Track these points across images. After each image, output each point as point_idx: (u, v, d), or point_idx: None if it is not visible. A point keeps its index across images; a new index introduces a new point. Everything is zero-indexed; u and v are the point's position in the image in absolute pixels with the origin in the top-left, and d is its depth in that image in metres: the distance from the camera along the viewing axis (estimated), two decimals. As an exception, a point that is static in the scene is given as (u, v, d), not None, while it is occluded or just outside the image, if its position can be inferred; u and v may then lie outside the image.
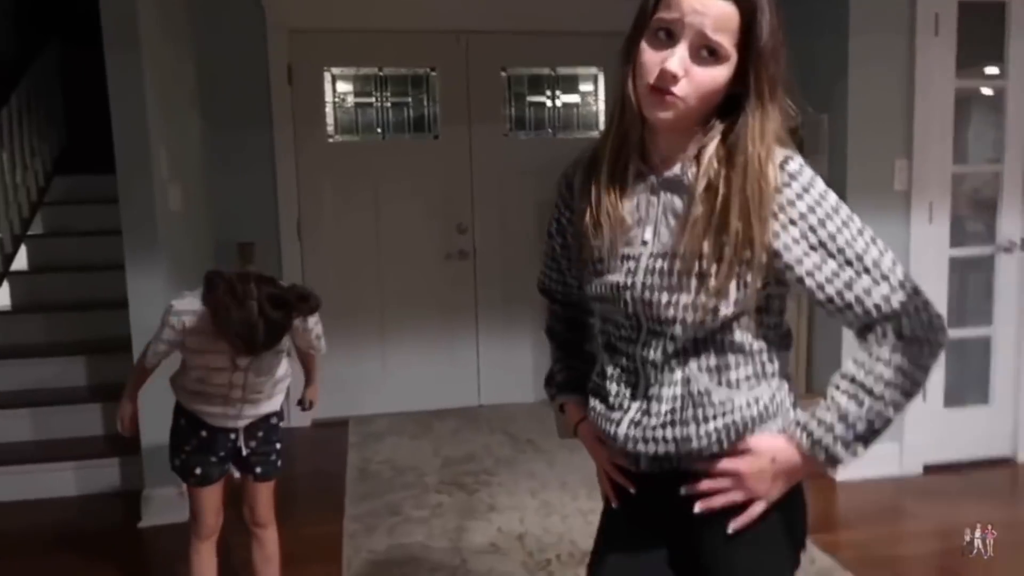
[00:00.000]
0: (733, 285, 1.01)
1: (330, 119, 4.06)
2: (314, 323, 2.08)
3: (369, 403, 4.20)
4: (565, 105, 4.31)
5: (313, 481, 3.35)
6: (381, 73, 4.11)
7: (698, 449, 1.06)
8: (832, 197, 1.03)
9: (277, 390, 2.13)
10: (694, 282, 1.02)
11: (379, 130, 4.17)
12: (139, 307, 2.88)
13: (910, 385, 1.01)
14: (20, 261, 4.23)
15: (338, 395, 4.17)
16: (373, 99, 4.13)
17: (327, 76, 4.04)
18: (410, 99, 4.16)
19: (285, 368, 2.14)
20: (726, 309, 1.02)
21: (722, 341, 1.06)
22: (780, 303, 1.11)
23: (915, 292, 1.02)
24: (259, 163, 3.94)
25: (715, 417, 1.05)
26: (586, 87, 4.33)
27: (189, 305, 1.93)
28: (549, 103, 4.29)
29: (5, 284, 4.03)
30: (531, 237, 4.19)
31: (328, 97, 4.05)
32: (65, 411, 3.45)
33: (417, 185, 4.15)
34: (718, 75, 0.99)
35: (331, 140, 4.09)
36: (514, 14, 3.99)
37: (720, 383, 1.06)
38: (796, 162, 1.02)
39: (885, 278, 1.00)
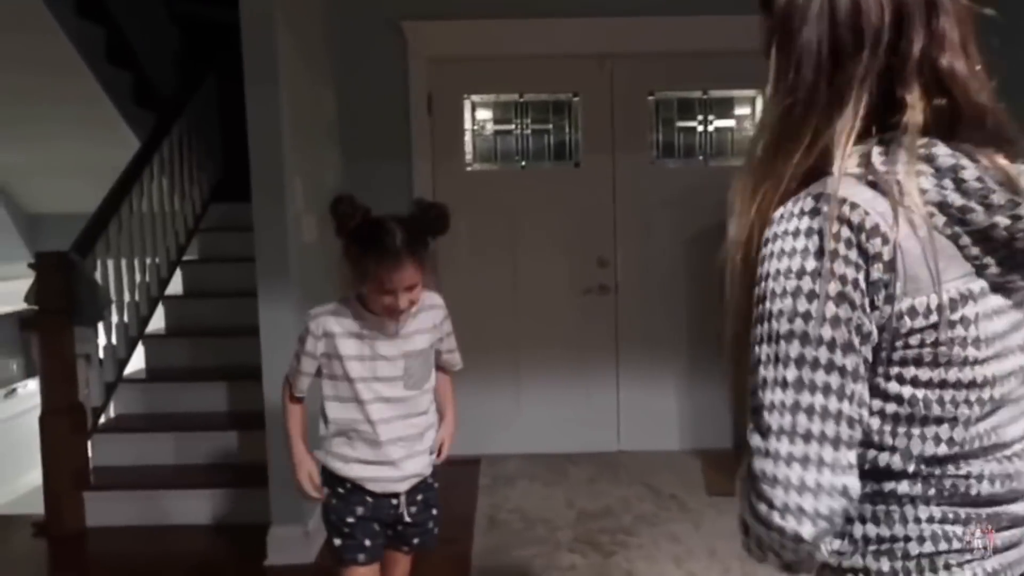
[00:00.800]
0: None
1: (468, 148, 3.95)
2: (449, 325, 1.94)
3: (502, 442, 4.02)
4: (718, 130, 3.98)
5: (443, 527, 3.17)
6: (522, 99, 3.96)
7: None
8: None
9: (428, 432, 1.89)
10: None
11: (518, 158, 4.01)
12: (269, 337, 2.84)
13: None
14: (176, 286, 4.39)
15: (471, 432, 4.00)
16: (513, 126, 3.98)
17: (467, 104, 3.94)
18: (551, 126, 3.98)
19: (431, 402, 1.91)
20: None
21: None
22: None
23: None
24: (396, 194, 3.86)
25: None
26: (742, 110, 3.99)
27: (323, 309, 1.82)
28: (700, 128, 3.98)
29: (160, 308, 4.18)
30: (678, 273, 3.88)
31: (467, 125, 3.94)
32: (204, 437, 3.48)
33: (556, 215, 3.95)
34: None
35: (469, 169, 3.97)
36: (662, 35, 3.73)
37: None
38: None
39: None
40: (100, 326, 3.51)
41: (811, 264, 0.72)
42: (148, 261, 4.06)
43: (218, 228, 4.67)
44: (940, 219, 0.73)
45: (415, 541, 1.92)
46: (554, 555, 2.85)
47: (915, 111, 0.74)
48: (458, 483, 3.65)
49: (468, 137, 3.95)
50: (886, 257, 0.71)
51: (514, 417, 4.03)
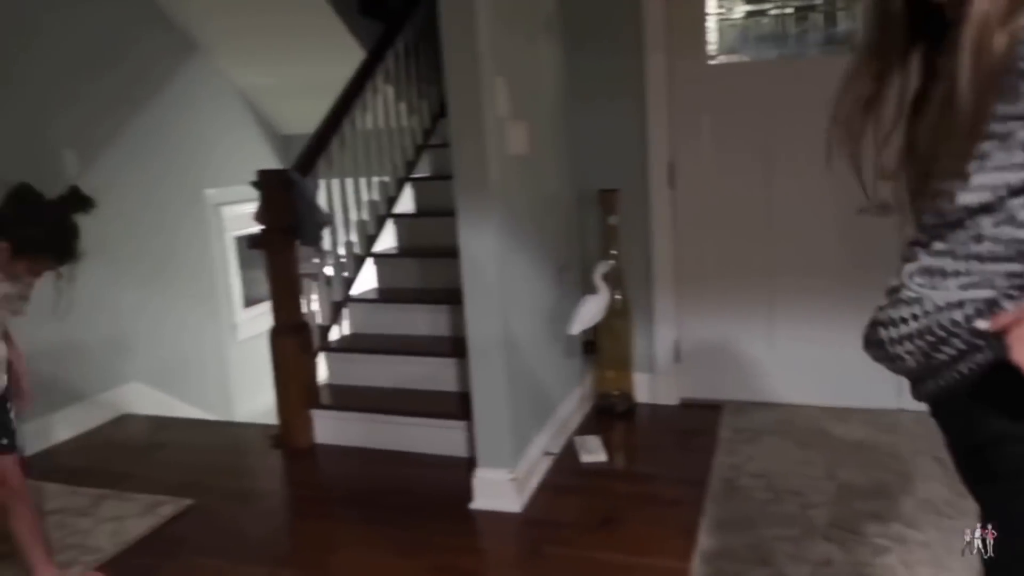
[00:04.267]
0: None
1: (712, 36, 3.26)
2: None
3: (749, 387, 3.44)
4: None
5: (668, 486, 2.73)
6: (784, -31, 3.17)
7: None
8: None
9: None
10: None
11: (776, 47, 3.25)
12: (470, 260, 2.53)
13: None
14: (408, 203, 4.28)
15: (711, 373, 3.48)
16: (769, 5, 3.21)
17: (713, -19, 3.24)
18: (820, 1, 3.15)
19: None
20: None
21: None
22: None
23: None
24: (626, 96, 3.33)
25: None
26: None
27: None
28: None
29: (390, 227, 4.10)
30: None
31: (711, 8, 3.24)
32: (425, 362, 3.33)
33: (825, 117, 3.15)
34: None
35: (712, 62, 3.29)
36: None
37: None
38: None
39: None
40: (324, 245, 3.46)
41: None
42: (375, 179, 3.95)
43: (447, 144, 4.45)
44: None
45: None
46: (804, 542, 2.28)
47: None
48: (692, 432, 3.17)
49: (712, 23, 3.26)
50: None
51: (766, 358, 3.41)
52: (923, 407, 1.06)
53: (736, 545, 2.28)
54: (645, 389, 3.54)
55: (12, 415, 2.15)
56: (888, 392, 3.25)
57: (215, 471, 3.07)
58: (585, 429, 3.14)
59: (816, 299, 3.30)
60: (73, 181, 3.58)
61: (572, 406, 3.26)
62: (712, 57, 3.29)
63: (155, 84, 4.16)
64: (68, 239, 2.01)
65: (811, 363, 3.34)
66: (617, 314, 3.35)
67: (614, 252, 3.34)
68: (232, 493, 2.84)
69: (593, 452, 2.98)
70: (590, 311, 3.08)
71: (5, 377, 2.07)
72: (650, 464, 2.98)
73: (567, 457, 2.98)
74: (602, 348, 3.41)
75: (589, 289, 3.18)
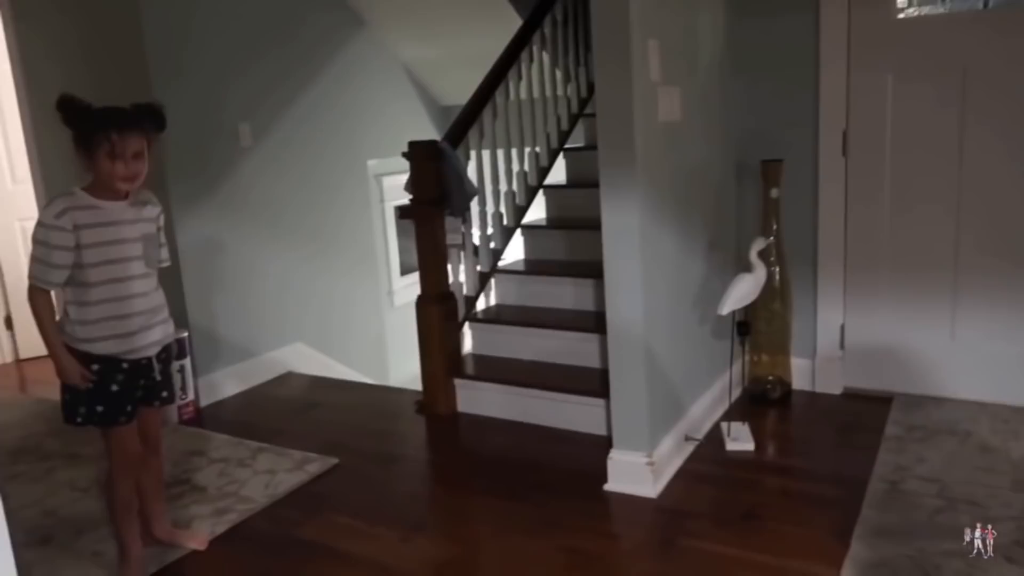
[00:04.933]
0: None
1: (901, -15, 2.91)
2: (163, 221, 2.14)
3: (925, 380, 3.10)
4: None
5: (821, 483, 2.52)
6: (993, -97, 2.75)
7: None
8: None
9: (163, 305, 2.13)
10: None
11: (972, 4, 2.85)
12: (612, 234, 2.43)
13: None
14: (559, 174, 4.22)
15: (883, 362, 3.17)
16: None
17: (904, -78, 2.87)
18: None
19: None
20: None
21: None
22: None
23: None
24: (796, 57, 3.05)
25: None
26: None
27: (61, 204, 1.91)
28: None
29: (540, 198, 4.05)
30: None
31: (903, -49, 2.89)
32: (568, 337, 3.27)
33: (1037, 73, 2.74)
34: None
35: (902, 16, 2.93)
36: None
37: None
38: None
39: None
40: (472, 216, 3.47)
41: None
42: (527, 149, 3.91)
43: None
44: None
45: (164, 395, 2.17)
46: (980, 560, 2.01)
47: None
48: (854, 426, 2.91)
49: (903, -31, 2.90)
50: None
51: (946, 350, 3.05)
52: None
53: (895, 557, 2.05)
54: (804, 376, 3.28)
55: (173, 368, 2.31)
56: (1099, 396, 2.83)
57: (361, 432, 3.19)
58: (733, 415, 2.96)
59: (1009, 289, 2.90)
60: (247, 152, 3.86)
61: (720, 390, 3.08)
62: (901, 9, 2.93)
63: (322, 59, 4.34)
64: (116, 108, 1.94)
65: (1000, 358, 2.95)
66: (775, 294, 3.12)
67: (774, 227, 3.10)
68: (375, 455, 2.94)
69: (740, 440, 2.80)
70: (743, 290, 2.87)
71: (171, 327, 2.18)
72: (803, 458, 2.76)
73: (711, 444, 2.82)
74: (757, 330, 3.19)
75: (743, 267, 2.98)
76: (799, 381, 3.29)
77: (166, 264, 2.16)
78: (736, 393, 3.17)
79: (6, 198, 4.54)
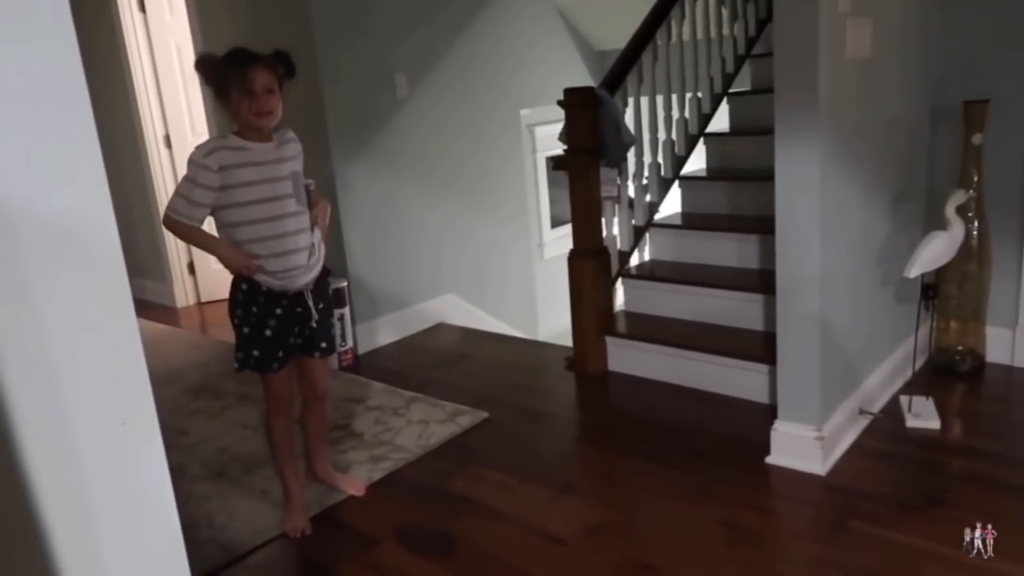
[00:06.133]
0: None
1: None
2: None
3: None
4: None
5: (1014, 470, 2.22)
6: None
7: None
8: None
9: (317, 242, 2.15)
10: None
11: None
12: (787, 186, 2.21)
13: None
14: (722, 121, 3.95)
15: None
16: None
17: None
18: None
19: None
20: None
21: None
22: None
23: None
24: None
25: None
26: None
27: (210, 145, 1.98)
28: None
29: (701, 148, 3.82)
30: None
31: None
32: (728, 296, 3.08)
33: None
34: None
35: None
36: None
37: None
38: None
39: None
40: (628, 167, 3.31)
41: None
42: (688, 95, 3.67)
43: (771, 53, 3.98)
44: None
45: (323, 345, 2.18)
46: None
47: None
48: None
49: None
50: None
51: None
52: None
53: None
54: (1001, 347, 2.92)
55: (334, 320, 2.35)
56: None
57: (511, 387, 3.17)
58: (915, 388, 2.68)
59: None
60: (402, 101, 3.88)
61: (901, 360, 2.79)
62: None
63: (478, 4, 4.26)
64: (242, 48, 1.96)
65: None
66: (971, 254, 2.77)
67: (976, 179, 2.74)
68: (525, 411, 2.92)
69: (922, 416, 2.53)
70: (936, 250, 2.56)
71: (319, 263, 2.15)
72: (996, 440, 2.45)
73: (890, 419, 2.57)
74: (947, 294, 2.86)
75: (935, 222, 2.65)
76: (994, 353, 2.92)
77: (314, 187, 2.19)
78: (920, 364, 2.87)
79: (187, 151, 4.85)
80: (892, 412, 2.61)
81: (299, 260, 2.06)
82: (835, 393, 2.40)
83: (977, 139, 2.73)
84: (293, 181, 2.08)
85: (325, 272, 2.19)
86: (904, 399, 2.64)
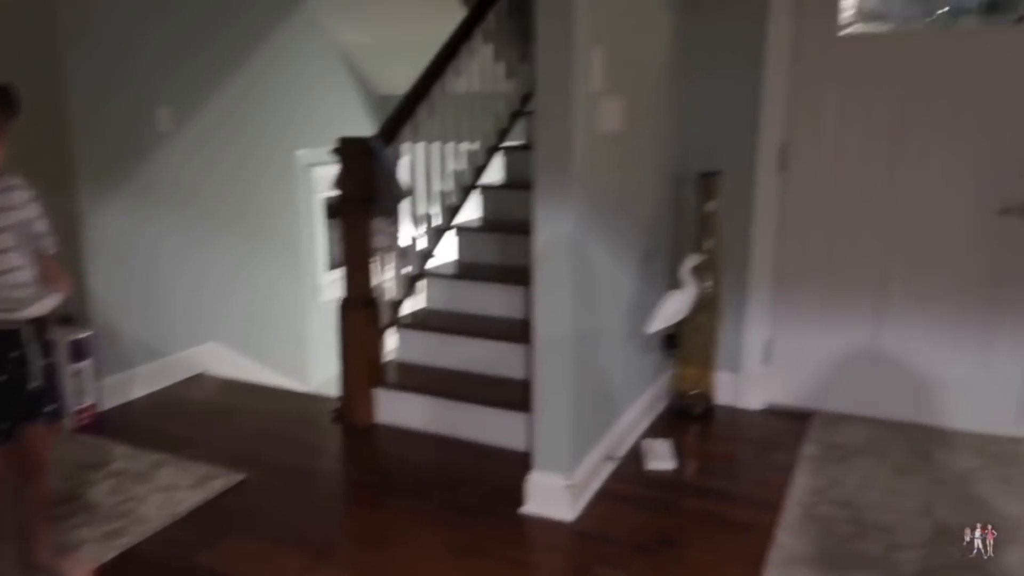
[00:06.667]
0: None
1: (848, 1, 2.89)
2: (38, 207, 1.92)
3: (845, 397, 3.13)
4: None
5: (739, 506, 2.50)
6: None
7: None
8: None
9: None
10: None
11: (924, 12, 2.86)
12: (543, 245, 2.35)
13: None
14: (498, 173, 4.11)
15: (806, 378, 3.18)
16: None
17: (846, -61, 2.85)
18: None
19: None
20: None
21: None
22: None
23: None
24: (741, 66, 3.02)
25: None
26: None
27: None
28: None
29: (476, 197, 3.93)
30: None
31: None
32: (496, 347, 3.18)
33: (973, 99, 2.75)
34: None
35: (844, 33, 2.92)
36: None
37: None
38: None
39: None
40: (402, 217, 3.34)
41: None
42: (464, 146, 3.79)
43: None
44: None
45: (49, 408, 1.99)
46: (887, 596, 2.01)
47: None
48: (774, 444, 2.90)
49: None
50: None
51: (869, 368, 3.08)
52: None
53: (807, 591, 2.04)
54: (727, 390, 3.27)
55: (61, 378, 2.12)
56: (1006, 418, 2.89)
57: (273, 443, 3.04)
58: (656, 431, 2.92)
59: (935, 309, 2.94)
60: (166, 136, 3.64)
61: (644, 406, 3.04)
62: (845, 25, 2.91)
63: (255, 41, 4.12)
64: None
65: (920, 378, 2.99)
66: (705, 306, 3.09)
67: (709, 241, 3.07)
68: (286, 470, 2.81)
69: (661, 458, 2.77)
70: (672, 308, 2.83)
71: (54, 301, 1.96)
72: (722, 477, 2.74)
73: (634, 462, 2.78)
74: (684, 343, 3.16)
75: (676, 282, 2.93)
76: (723, 395, 3.28)
77: (53, 251, 1.99)
78: (660, 408, 3.13)
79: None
80: (635, 455, 2.82)
81: (15, 305, 1.85)
82: (585, 441, 2.55)
83: (711, 206, 3.07)
84: (16, 232, 1.87)
85: (44, 324, 1.97)
86: (646, 442, 2.88)
